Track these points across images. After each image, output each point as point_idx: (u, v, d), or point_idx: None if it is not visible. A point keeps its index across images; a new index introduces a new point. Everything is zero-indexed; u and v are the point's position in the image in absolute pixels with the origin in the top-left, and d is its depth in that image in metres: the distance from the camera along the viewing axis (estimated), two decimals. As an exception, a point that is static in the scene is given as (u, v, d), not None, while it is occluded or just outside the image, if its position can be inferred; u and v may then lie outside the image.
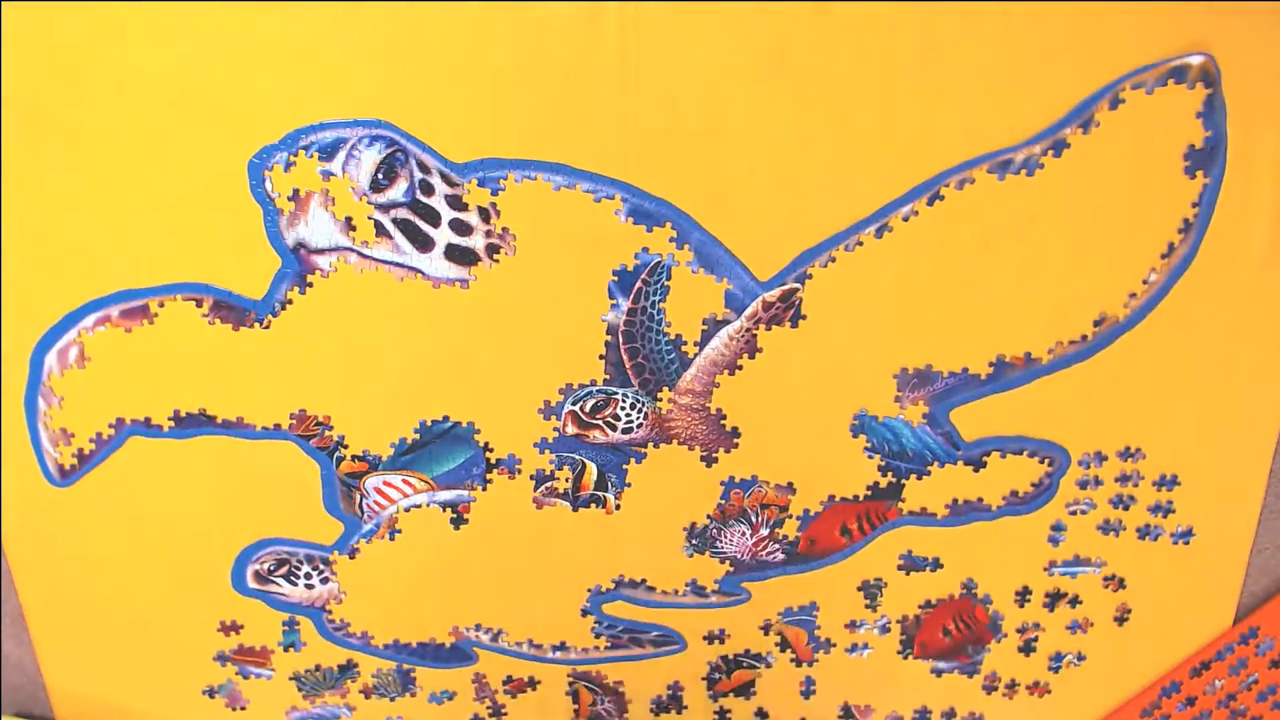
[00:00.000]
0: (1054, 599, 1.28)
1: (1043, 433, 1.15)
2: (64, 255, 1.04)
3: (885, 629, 1.29)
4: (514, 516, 1.18)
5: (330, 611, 1.26)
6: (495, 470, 1.15)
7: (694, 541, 1.20)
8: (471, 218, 1.02)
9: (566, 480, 1.17)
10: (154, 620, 1.26)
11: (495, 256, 1.03)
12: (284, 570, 1.23)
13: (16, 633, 1.26)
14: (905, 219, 1.02)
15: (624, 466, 1.15)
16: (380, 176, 0.99)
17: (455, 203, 1.01)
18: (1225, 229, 1.04)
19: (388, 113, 0.98)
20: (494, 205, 1.01)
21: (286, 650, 1.27)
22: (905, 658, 1.31)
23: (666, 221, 1.03)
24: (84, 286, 1.05)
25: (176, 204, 1.01)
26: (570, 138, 0.99)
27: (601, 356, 1.09)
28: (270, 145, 0.99)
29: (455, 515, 1.18)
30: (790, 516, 1.18)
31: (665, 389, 1.11)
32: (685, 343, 1.09)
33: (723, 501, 1.17)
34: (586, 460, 1.16)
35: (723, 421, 1.13)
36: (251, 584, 1.24)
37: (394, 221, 1.02)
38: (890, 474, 1.16)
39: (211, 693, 1.31)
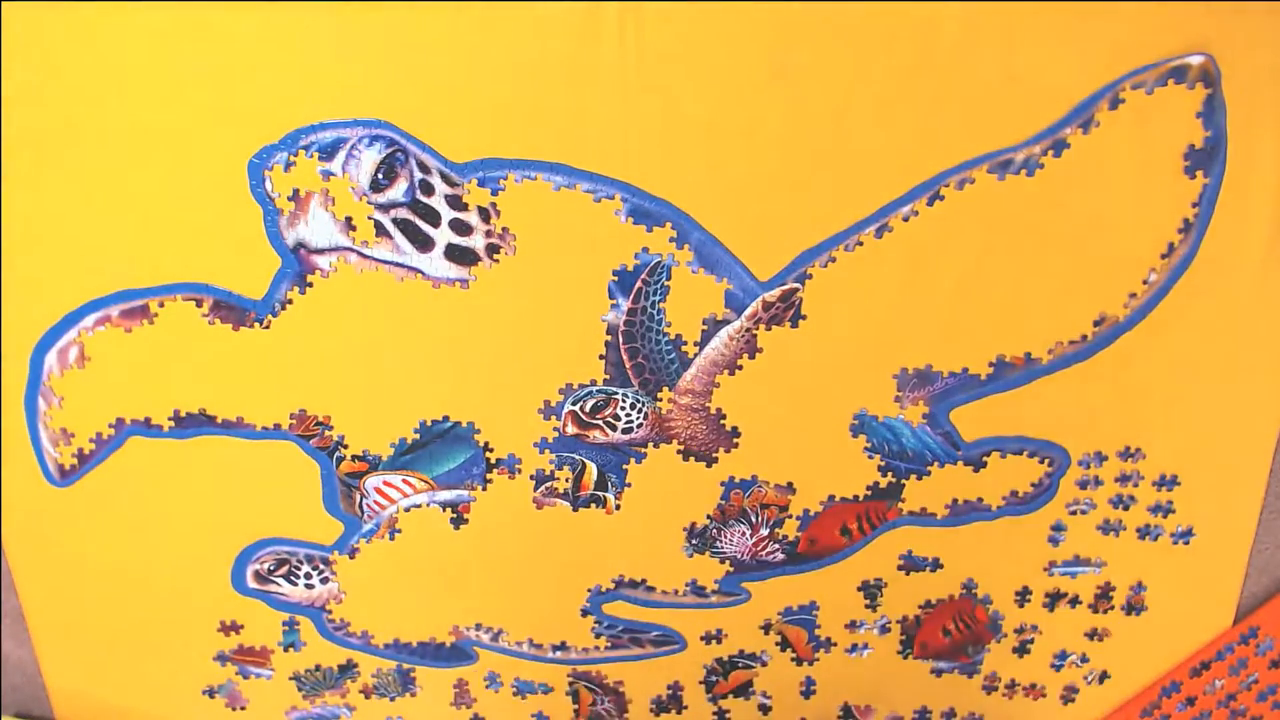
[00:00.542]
0: (1054, 599, 1.27)
1: (1043, 433, 1.15)
2: (64, 255, 1.04)
3: (885, 629, 1.29)
4: (514, 516, 1.18)
5: (330, 611, 1.26)
6: (495, 470, 1.15)
7: (694, 541, 1.20)
8: (471, 218, 1.02)
9: (567, 480, 1.17)
10: (154, 620, 1.26)
11: (495, 256, 1.03)
12: (284, 570, 1.23)
13: (16, 633, 1.26)
14: (905, 219, 1.02)
15: (624, 466, 1.15)
16: (380, 176, 0.99)
17: (455, 203, 1.01)
18: (1225, 229, 1.04)
19: (388, 113, 0.98)
20: (494, 205, 1.01)
21: (286, 650, 1.28)
22: (905, 658, 1.31)
23: (666, 221, 1.03)
24: (84, 286, 1.05)
25: (176, 204, 1.01)
26: (570, 138, 0.99)
27: (601, 356, 1.09)
28: (270, 145, 0.99)
29: (455, 515, 1.18)
30: (790, 516, 1.18)
31: (665, 389, 1.11)
32: (685, 343, 1.09)
33: (723, 502, 1.17)
34: (587, 460, 1.16)
35: (722, 421, 1.13)
36: (251, 584, 1.24)
37: (394, 221, 1.02)
38: (890, 474, 1.16)
39: (211, 693, 1.31)
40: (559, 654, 1.30)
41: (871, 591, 1.26)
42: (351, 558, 1.21)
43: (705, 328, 1.08)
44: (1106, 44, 0.95)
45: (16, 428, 1.12)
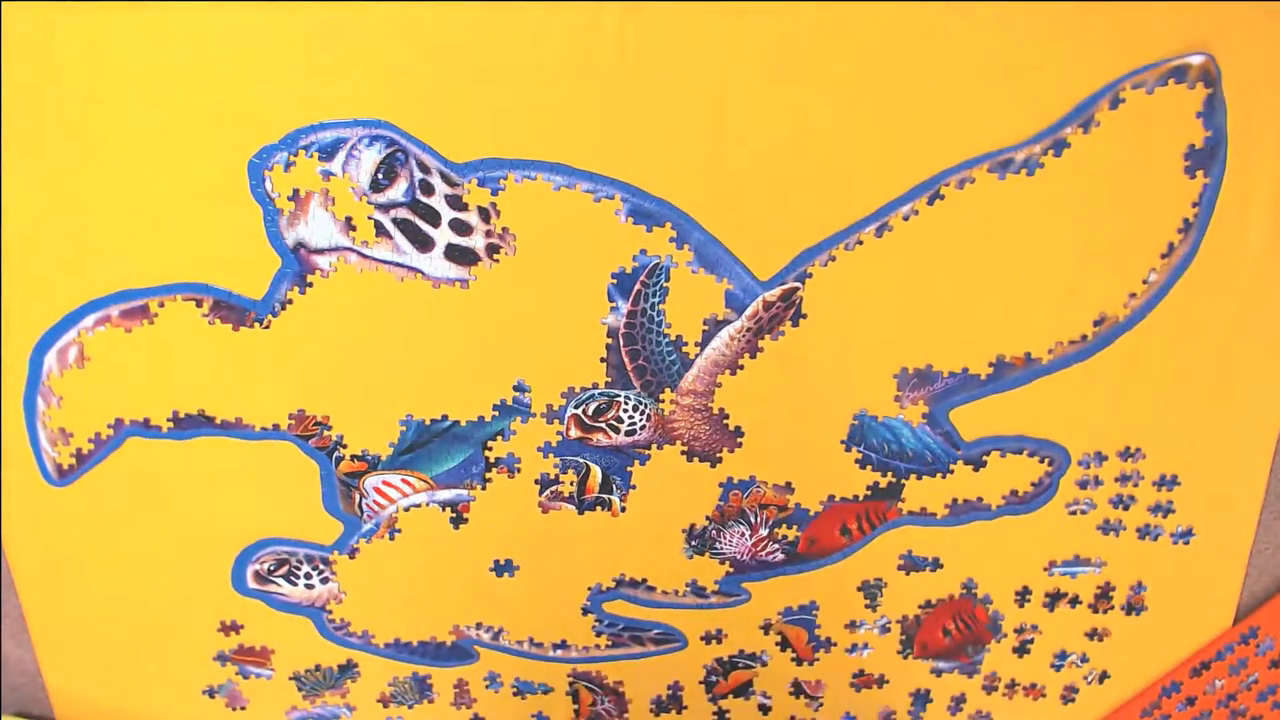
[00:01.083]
0: (1054, 599, 1.27)
1: (1043, 432, 1.15)
2: (64, 255, 1.04)
3: (885, 629, 1.29)
4: (514, 515, 1.18)
5: (330, 611, 1.26)
6: (495, 469, 1.15)
7: (693, 543, 1.21)
8: (471, 218, 1.02)
9: (571, 484, 1.17)
10: (154, 620, 1.26)
11: (495, 256, 1.03)
12: (284, 570, 1.23)
13: (16, 633, 1.26)
14: (905, 218, 1.02)
15: (628, 469, 1.15)
16: (380, 176, 0.99)
17: (455, 203, 1.01)
18: (1225, 229, 1.04)
19: (388, 113, 0.97)
20: (494, 205, 1.01)
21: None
22: (905, 658, 1.31)
23: (666, 221, 1.03)
24: (84, 286, 1.05)
25: (176, 204, 1.01)
26: (570, 138, 0.98)
27: (603, 359, 1.09)
28: (270, 145, 0.98)
29: (455, 515, 1.18)
30: (789, 516, 1.19)
31: (667, 390, 1.11)
32: (686, 343, 1.09)
33: (721, 503, 1.17)
34: (590, 463, 1.16)
35: (725, 421, 1.13)
36: (251, 584, 1.23)
37: (394, 221, 1.02)
38: (890, 474, 1.16)
39: (211, 693, 1.31)
40: (559, 653, 1.30)
41: (871, 591, 1.26)
42: (351, 558, 1.21)
43: (706, 328, 1.08)
44: (1107, 44, 0.95)
45: (16, 428, 1.12)
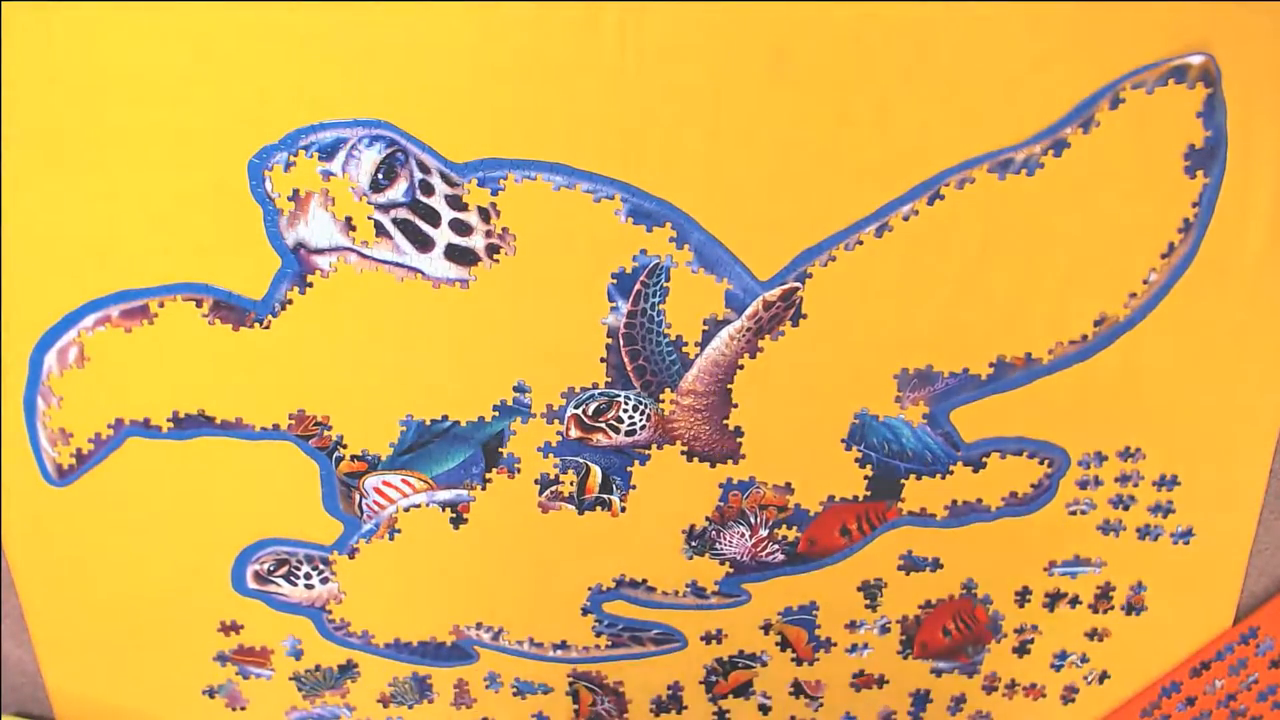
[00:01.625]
0: (1054, 599, 1.28)
1: (1043, 433, 1.15)
2: (64, 255, 1.04)
3: (885, 629, 1.29)
4: (514, 516, 1.18)
5: (330, 611, 1.26)
6: (495, 470, 1.15)
7: (693, 544, 1.21)
8: (471, 218, 1.02)
9: (571, 484, 1.17)
10: (154, 620, 1.26)
11: (495, 257, 1.03)
12: (284, 570, 1.23)
13: (16, 633, 1.26)
14: (905, 218, 1.02)
15: (628, 469, 1.15)
16: (380, 176, 0.99)
17: (455, 203, 1.01)
18: (1225, 229, 1.04)
19: (387, 113, 0.97)
20: (494, 205, 1.01)
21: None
22: (905, 658, 1.31)
23: (666, 221, 1.03)
24: (84, 286, 1.05)
25: (176, 204, 1.01)
26: (570, 138, 0.98)
27: (603, 359, 1.10)
28: (270, 145, 0.98)
29: (455, 515, 1.18)
30: (789, 517, 1.19)
31: (667, 390, 1.11)
32: (686, 343, 1.09)
33: (721, 504, 1.17)
34: (590, 463, 1.16)
35: (725, 421, 1.13)
36: (251, 584, 1.23)
37: (394, 221, 1.02)
38: (889, 474, 1.16)
39: (211, 693, 1.31)
40: (559, 653, 1.30)
41: (871, 591, 1.26)
42: (351, 558, 1.22)
43: (706, 328, 1.08)
44: (1107, 43, 0.95)
45: (16, 428, 1.12)
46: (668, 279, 1.05)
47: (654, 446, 1.14)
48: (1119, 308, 1.07)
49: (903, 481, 1.17)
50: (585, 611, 1.26)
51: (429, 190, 1.00)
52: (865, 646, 1.30)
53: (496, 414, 1.13)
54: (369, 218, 1.01)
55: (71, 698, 1.31)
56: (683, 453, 1.14)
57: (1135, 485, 1.20)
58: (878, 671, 1.33)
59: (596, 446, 1.15)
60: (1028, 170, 1.00)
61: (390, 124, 0.98)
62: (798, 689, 1.32)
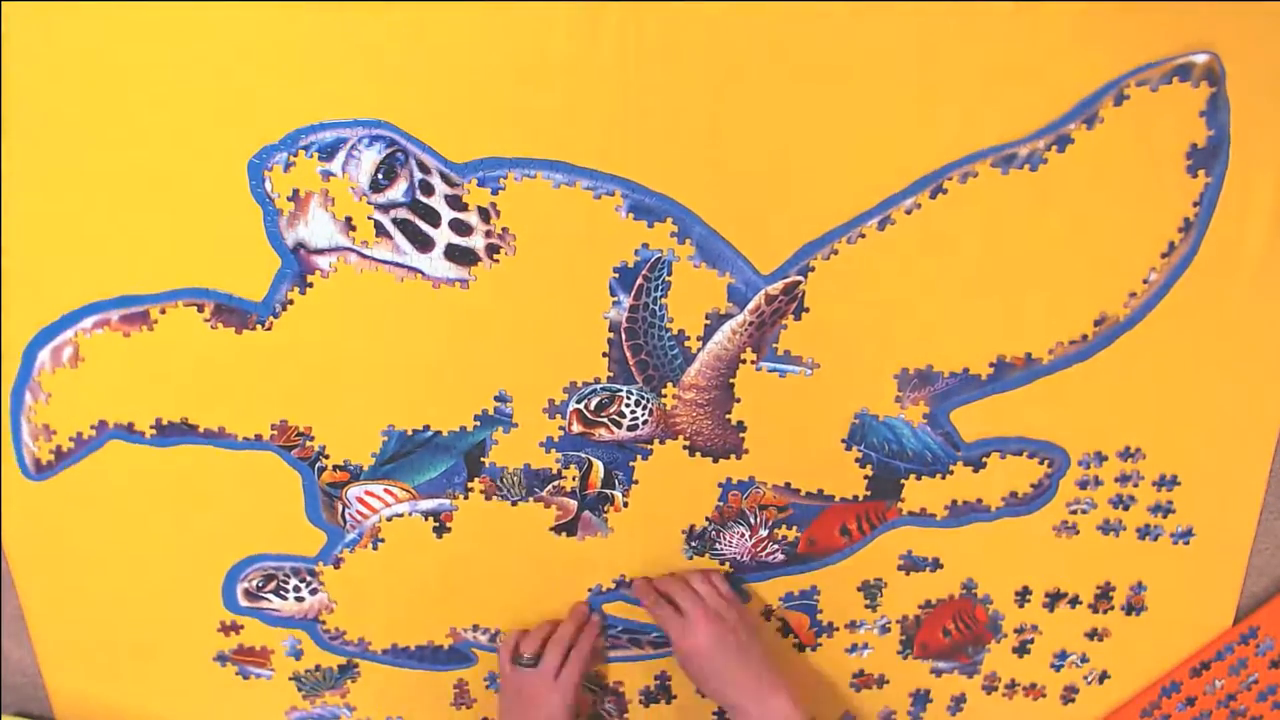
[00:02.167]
0: (1054, 599, 1.28)
1: (1043, 433, 1.15)
2: (65, 255, 1.04)
3: (885, 629, 1.29)
4: (501, 522, 1.19)
5: (324, 621, 1.26)
6: (478, 479, 1.16)
7: (693, 544, 1.21)
8: (471, 218, 1.02)
9: (574, 479, 1.17)
10: (154, 620, 1.26)
11: (495, 256, 1.04)
12: (272, 585, 1.24)
13: (16, 633, 1.26)
14: (908, 212, 1.03)
15: (630, 464, 1.15)
16: (380, 176, 1.00)
17: (455, 203, 1.01)
18: (1226, 229, 1.04)
19: (387, 113, 0.98)
20: (494, 205, 1.02)
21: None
22: (905, 658, 1.31)
23: (667, 217, 1.03)
24: (83, 287, 1.06)
25: (177, 204, 1.02)
26: (570, 136, 0.99)
27: (605, 354, 1.10)
28: (270, 145, 0.99)
29: (438, 524, 1.20)
30: (789, 517, 1.19)
31: (669, 385, 1.12)
32: (688, 338, 1.10)
33: (721, 504, 1.17)
34: (593, 458, 1.16)
35: (727, 416, 1.14)
36: (243, 602, 1.25)
37: (394, 221, 1.02)
38: (890, 474, 1.16)
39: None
40: None
41: (871, 591, 1.26)
42: (336, 567, 1.22)
43: (708, 322, 1.09)
44: (1112, 40, 0.96)
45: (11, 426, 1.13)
46: (670, 273, 1.06)
47: (656, 442, 1.15)
48: (1119, 307, 1.08)
49: (903, 481, 1.17)
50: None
51: (429, 190, 1.01)
52: (865, 646, 1.30)
53: (478, 424, 1.14)
54: (369, 218, 1.02)
55: (71, 698, 1.31)
56: (685, 447, 1.14)
57: (1135, 485, 1.20)
58: (878, 671, 1.33)
59: (599, 441, 1.15)
60: (1030, 165, 1.00)
61: (390, 124, 0.98)
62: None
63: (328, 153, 0.99)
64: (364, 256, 1.04)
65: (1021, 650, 1.32)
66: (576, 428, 1.14)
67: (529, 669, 1.17)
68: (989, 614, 1.29)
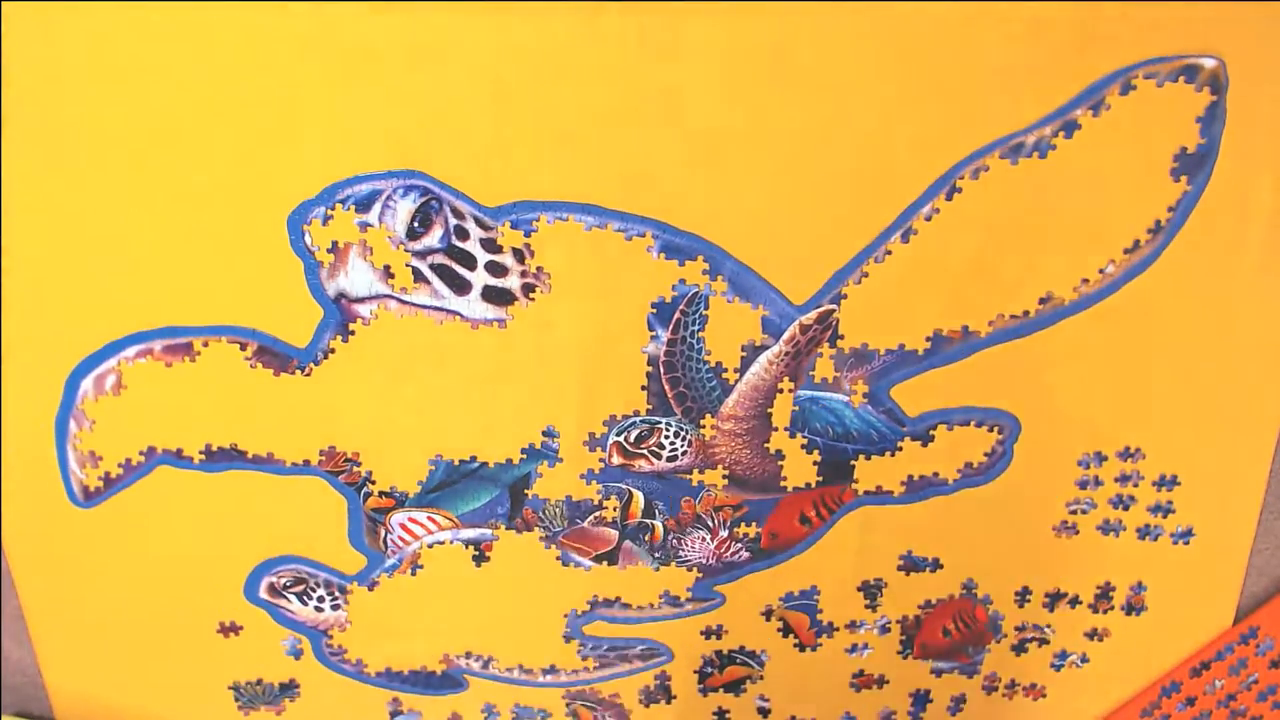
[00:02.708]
0: (1054, 599, 1.43)
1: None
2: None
3: (885, 629, 1.44)
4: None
5: (331, 637, 1.43)
6: (521, 510, 1.31)
7: (657, 555, 1.36)
8: (506, 259, 1.14)
9: (615, 510, 1.31)
10: (154, 621, 1.41)
11: (531, 296, 1.15)
12: (300, 589, 1.38)
13: (16, 632, 1.40)
14: (928, 218, 1.13)
15: (670, 494, 1.30)
16: (416, 224, 1.11)
17: (490, 245, 1.13)
18: (1213, 229, 1.16)
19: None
20: (528, 246, 1.13)
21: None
22: (905, 658, 1.47)
23: (698, 255, 1.14)
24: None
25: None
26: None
27: (643, 387, 1.22)
28: (308, 200, 1.11)
29: (477, 552, 1.35)
30: (746, 514, 1.34)
31: (708, 416, 1.24)
32: (726, 370, 1.21)
33: (675, 511, 1.33)
34: (633, 489, 1.30)
35: (766, 445, 1.27)
36: (263, 594, 1.38)
37: (431, 267, 1.14)
38: (838, 456, 1.29)
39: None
40: (549, 677, 1.47)
41: (871, 591, 1.41)
42: (370, 590, 1.37)
43: (744, 354, 1.20)
44: (1124, 33, 1.06)
45: (28, 440, 1.26)
46: (706, 307, 1.17)
47: (694, 470, 1.28)
48: (1068, 290, 1.20)
49: (853, 463, 1.30)
50: (568, 638, 1.44)
51: (464, 235, 1.12)
52: (865, 646, 1.46)
53: (524, 456, 1.27)
54: (407, 265, 1.14)
55: (71, 698, 1.47)
56: (724, 476, 1.28)
57: (1135, 485, 1.34)
58: (878, 671, 1.48)
59: (639, 473, 1.29)
60: (1040, 153, 1.10)
61: (423, 173, 1.09)
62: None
63: (364, 204, 1.11)
64: (403, 302, 1.15)
65: (1021, 650, 1.48)
66: (617, 460, 1.27)
67: None
68: (989, 614, 1.43)
